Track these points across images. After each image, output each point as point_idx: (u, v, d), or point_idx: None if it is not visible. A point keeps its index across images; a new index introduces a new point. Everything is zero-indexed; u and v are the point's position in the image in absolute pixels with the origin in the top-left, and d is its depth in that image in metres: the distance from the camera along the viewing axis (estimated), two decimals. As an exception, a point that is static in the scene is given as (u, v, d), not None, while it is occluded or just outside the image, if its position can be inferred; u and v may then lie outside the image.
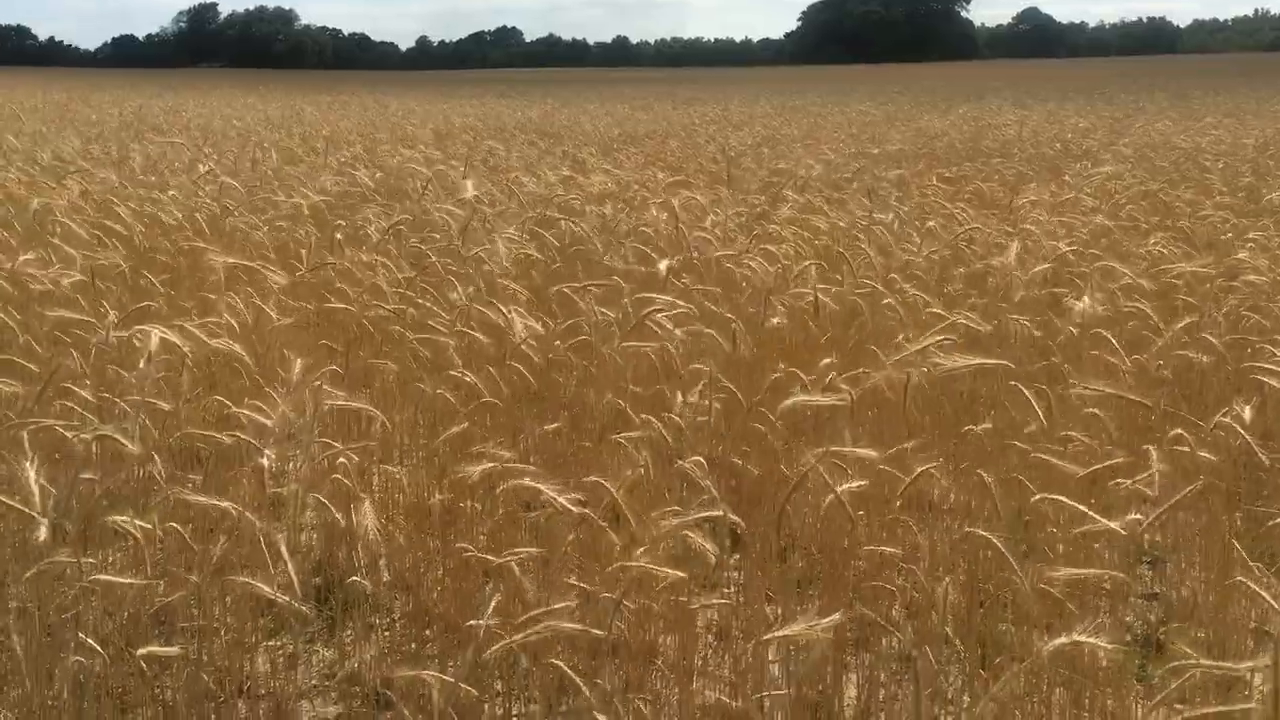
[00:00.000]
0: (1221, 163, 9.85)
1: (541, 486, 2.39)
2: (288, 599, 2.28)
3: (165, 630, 2.92)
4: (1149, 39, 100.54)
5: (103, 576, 2.41)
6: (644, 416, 3.12)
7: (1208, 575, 3.22)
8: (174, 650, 2.34)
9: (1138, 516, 2.52)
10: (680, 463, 2.80)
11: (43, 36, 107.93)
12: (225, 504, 2.48)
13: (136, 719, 2.70)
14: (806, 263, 4.49)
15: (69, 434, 2.78)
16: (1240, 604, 3.03)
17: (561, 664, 2.24)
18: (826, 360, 3.39)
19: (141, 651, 2.34)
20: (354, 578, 2.90)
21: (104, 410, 3.27)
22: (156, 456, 2.86)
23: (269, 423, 2.77)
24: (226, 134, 14.54)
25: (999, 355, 3.82)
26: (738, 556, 3.19)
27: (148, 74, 62.90)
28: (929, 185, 8.16)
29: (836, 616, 2.01)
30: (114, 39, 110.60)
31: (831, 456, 2.63)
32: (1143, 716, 2.61)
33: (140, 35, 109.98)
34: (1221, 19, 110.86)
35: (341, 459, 2.96)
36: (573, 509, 2.41)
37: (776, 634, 2.07)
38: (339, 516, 2.90)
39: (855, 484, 2.57)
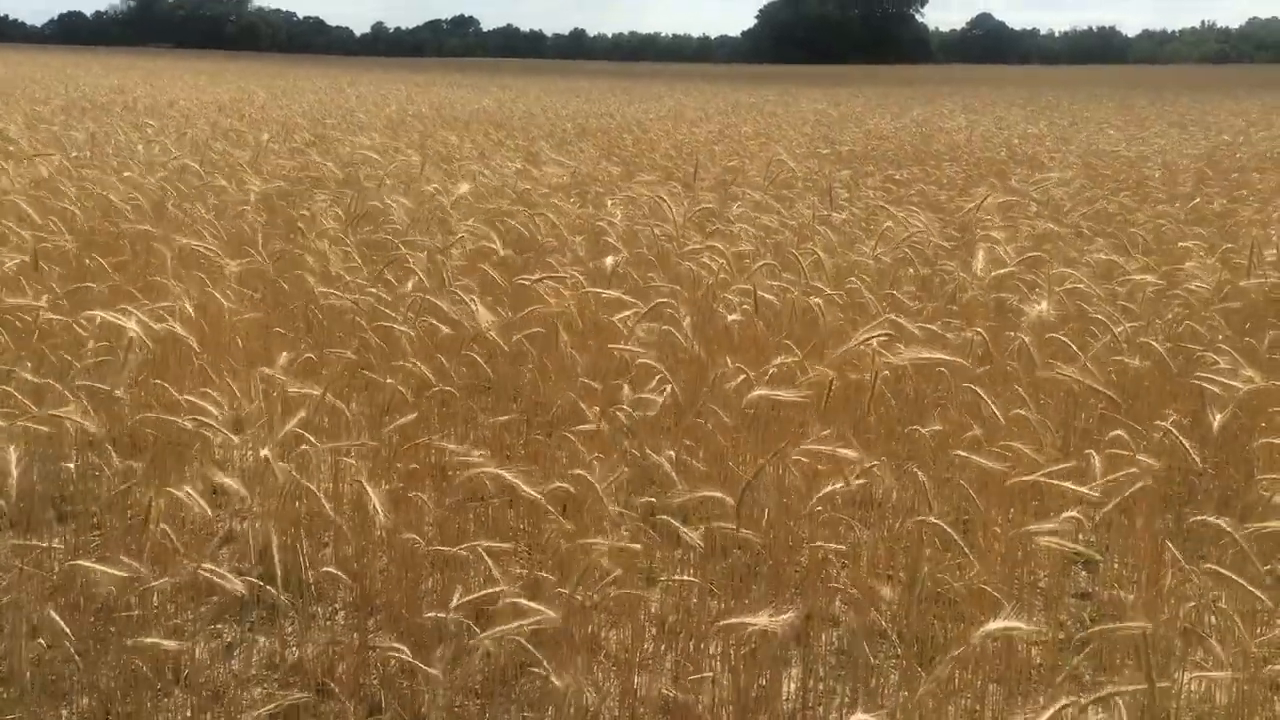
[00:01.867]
0: (1160, 172, 10.05)
1: (505, 474, 2.39)
2: (234, 585, 2.27)
3: (102, 617, 2.89)
4: (1098, 48, 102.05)
5: (83, 562, 2.37)
6: (595, 409, 3.14)
7: (1140, 576, 3.30)
8: (172, 644, 2.31)
9: (1075, 514, 2.58)
10: (649, 454, 2.82)
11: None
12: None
13: (72, 706, 2.67)
14: (760, 263, 4.52)
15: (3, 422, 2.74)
16: (1171, 604, 3.11)
17: (523, 641, 2.24)
18: (779, 359, 3.43)
19: (130, 642, 2.31)
20: (327, 568, 2.89)
21: (43, 394, 3.23)
22: (109, 446, 2.83)
23: (217, 410, 2.75)
24: (175, 116, 14.32)
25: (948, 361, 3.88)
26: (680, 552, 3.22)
27: (95, 52, 61.71)
28: (878, 187, 8.25)
29: (790, 615, 2.04)
30: (60, 15, 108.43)
31: (799, 452, 2.66)
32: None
33: (88, 13, 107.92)
34: (1170, 30, 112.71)
35: (303, 446, 2.95)
36: (540, 498, 2.42)
37: (724, 622, 2.10)
38: (318, 491, 2.89)
39: (838, 485, 2.59)
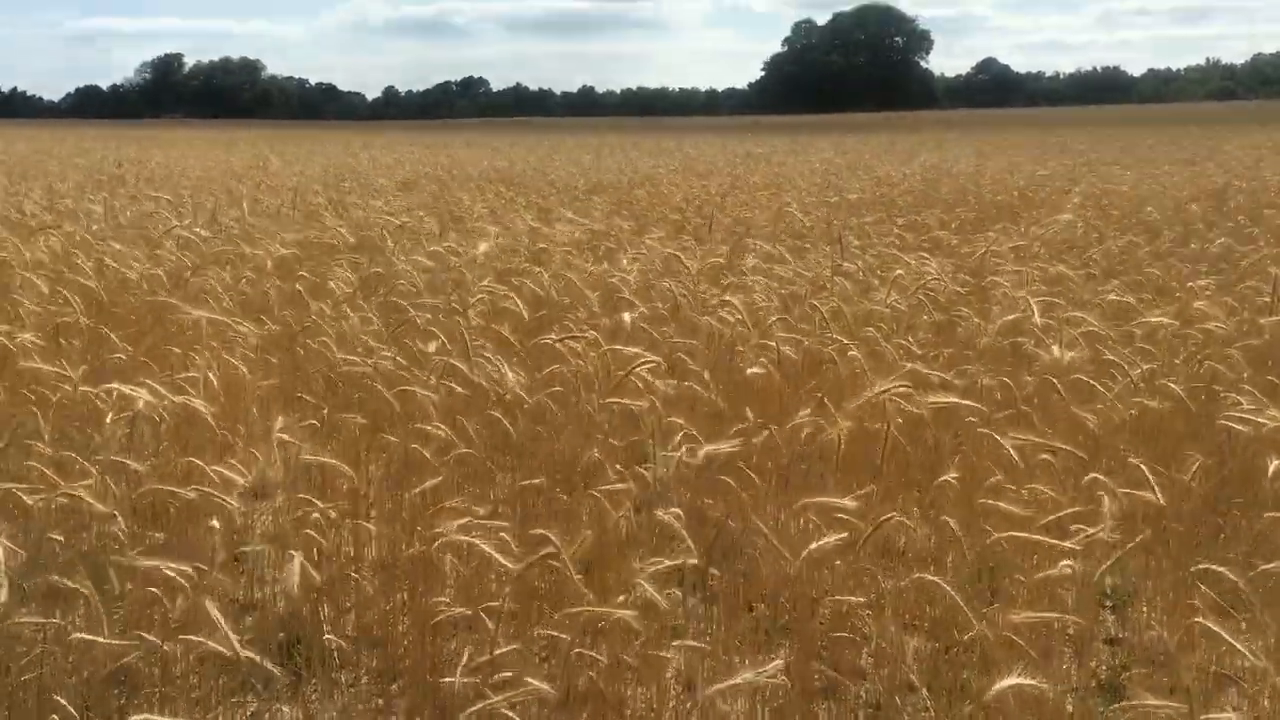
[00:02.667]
0: (1172, 210, 10.06)
1: (491, 551, 2.39)
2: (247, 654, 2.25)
3: (125, 690, 2.88)
4: (1104, 88, 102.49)
5: (80, 635, 2.37)
6: (619, 468, 3.14)
7: (1169, 619, 3.26)
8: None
9: (1069, 563, 2.57)
10: (659, 513, 2.81)
11: (5, 88, 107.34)
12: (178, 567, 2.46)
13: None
14: (775, 318, 4.54)
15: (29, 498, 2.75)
16: (1202, 647, 3.06)
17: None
18: (801, 411, 3.43)
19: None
20: (327, 635, 2.88)
21: (65, 468, 3.24)
22: (119, 515, 2.83)
23: (239, 479, 2.76)
24: (190, 185, 14.50)
25: (961, 405, 3.87)
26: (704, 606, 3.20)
27: (112, 125, 62.64)
28: (890, 234, 8.27)
29: (779, 662, 2.04)
30: (78, 89, 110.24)
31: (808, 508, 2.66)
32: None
33: (104, 86, 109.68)
34: (1175, 69, 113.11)
35: (315, 514, 2.95)
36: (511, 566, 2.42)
37: (723, 684, 2.08)
38: (312, 571, 2.88)
39: (833, 538, 2.59)
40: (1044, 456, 3.29)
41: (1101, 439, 3.76)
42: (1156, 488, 2.90)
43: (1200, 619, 2.73)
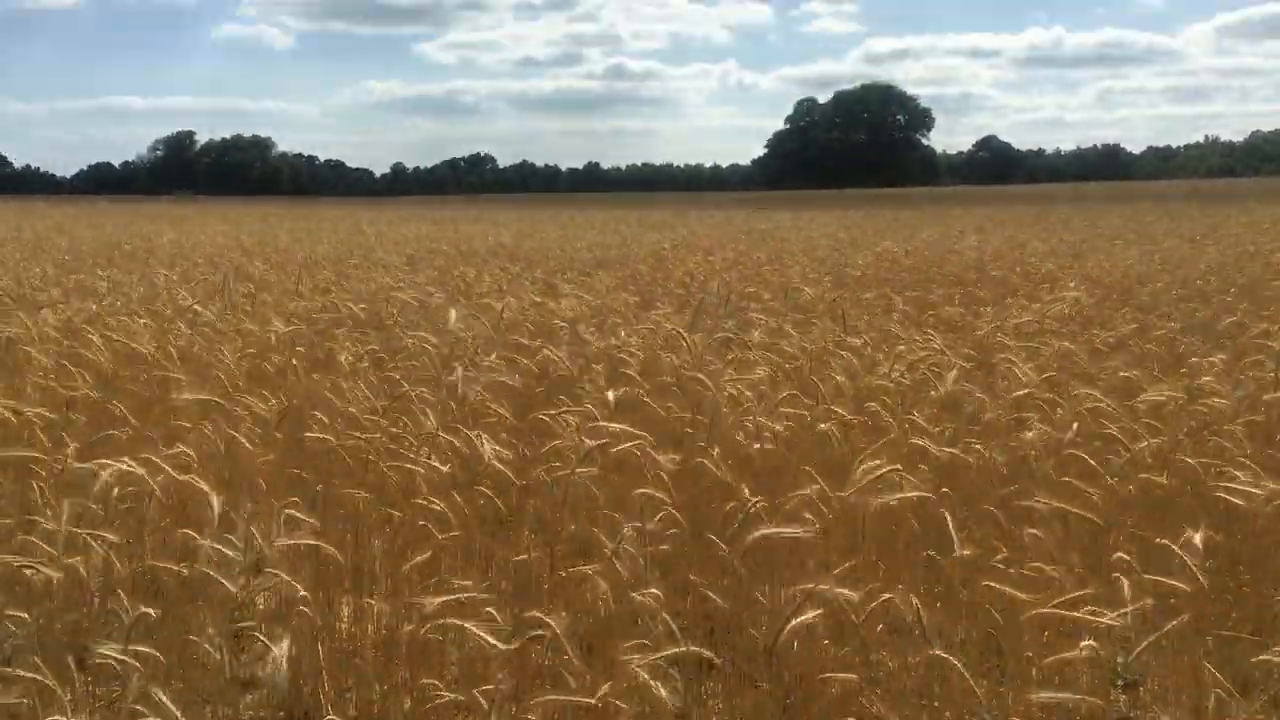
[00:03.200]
0: (1175, 287, 10.10)
1: (478, 630, 2.37)
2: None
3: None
4: (1104, 165, 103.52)
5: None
6: (620, 546, 3.13)
7: (1182, 699, 3.21)
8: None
9: (1091, 643, 2.55)
10: (636, 595, 2.81)
11: (18, 164, 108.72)
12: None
13: None
14: (786, 393, 4.54)
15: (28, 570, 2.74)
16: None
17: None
18: (803, 489, 3.42)
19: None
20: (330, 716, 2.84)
21: (66, 543, 3.23)
22: (121, 592, 2.82)
23: (239, 555, 2.75)
24: (199, 260, 14.63)
25: (967, 480, 3.86)
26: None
27: (123, 201, 63.33)
28: (892, 309, 8.30)
29: None
30: (90, 166, 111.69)
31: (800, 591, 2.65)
32: None
33: (117, 163, 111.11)
34: (1174, 146, 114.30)
35: (305, 592, 2.93)
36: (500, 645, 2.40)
37: None
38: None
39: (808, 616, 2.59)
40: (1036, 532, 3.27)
41: (1108, 515, 3.73)
42: (1190, 566, 2.88)
43: (1212, 699, 2.70)
